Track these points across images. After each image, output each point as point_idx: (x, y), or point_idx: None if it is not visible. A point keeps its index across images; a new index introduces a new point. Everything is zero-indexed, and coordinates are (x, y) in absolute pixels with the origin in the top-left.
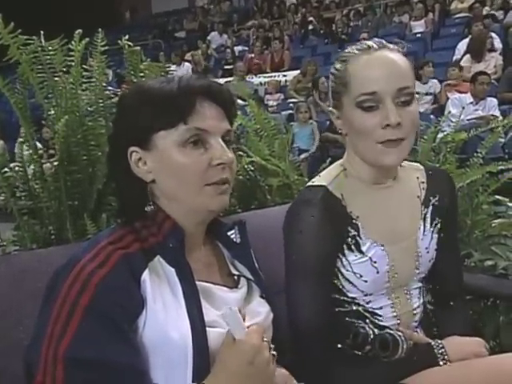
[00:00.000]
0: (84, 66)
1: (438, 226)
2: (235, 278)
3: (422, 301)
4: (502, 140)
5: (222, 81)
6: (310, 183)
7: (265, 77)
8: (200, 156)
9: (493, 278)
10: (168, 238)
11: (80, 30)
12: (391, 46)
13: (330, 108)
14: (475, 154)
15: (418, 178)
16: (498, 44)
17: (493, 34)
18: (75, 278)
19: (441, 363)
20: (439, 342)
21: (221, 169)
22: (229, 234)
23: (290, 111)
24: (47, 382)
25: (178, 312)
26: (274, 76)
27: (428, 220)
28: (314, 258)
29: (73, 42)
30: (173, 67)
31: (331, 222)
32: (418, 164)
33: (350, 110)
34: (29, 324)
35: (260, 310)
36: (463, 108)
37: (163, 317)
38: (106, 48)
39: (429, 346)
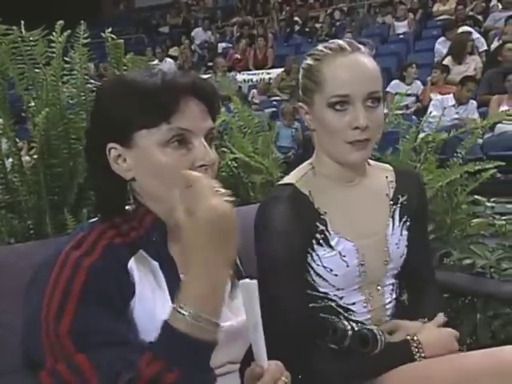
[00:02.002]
0: (65, 59)
1: (407, 223)
2: None
3: (394, 296)
4: (481, 141)
5: (205, 77)
6: (279, 182)
7: (248, 74)
8: (182, 156)
9: (471, 277)
10: (150, 231)
11: (62, 22)
12: (362, 48)
13: (300, 103)
14: (455, 154)
15: (387, 177)
16: (481, 46)
17: (477, 36)
18: (63, 265)
19: (417, 359)
20: (416, 338)
21: (203, 170)
22: None
23: (274, 109)
24: (60, 361)
25: (164, 303)
26: (258, 73)
27: (397, 217)
28: (284, 253)
29: (54, 34)
30: (155, 62)
31: (299, 217)
32: (387, 165)
33: (321, 109)
34: (7, 320)
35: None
36: (444, 109)
37: (151, 303)
38: (88, 41)
39: (406, 342)
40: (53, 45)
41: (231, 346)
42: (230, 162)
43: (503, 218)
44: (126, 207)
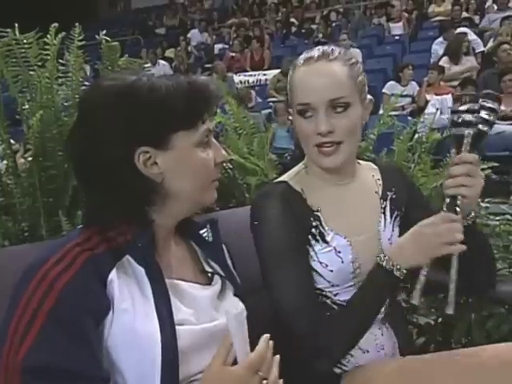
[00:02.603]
0: (60, 61)
1: (398, 218)
2: (209, 275)
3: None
4: None
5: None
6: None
7: (245, 75)
8: (209, 155)
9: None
10: (137, 236)
11: (56, 24)
12: (336, 53)
13: (289, 109)
14: (447, 155)
15: (373, 175)
16: (478, 47)
17: (473, 37)
18: (40, 282)
19: (397, 274)
20: (382, 256)
21: (220, 166)
22: (201, 232)
23: (270, 110)
24: None
25: (147, 311)
26: (255, 75)
27: (388, 213)
28: (281, 241)
29: (48, 36)
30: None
31: (292, 212)
32: (371, 163)
33: (295, 116)
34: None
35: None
36: (437, 109)
37: (131, 317)
38: (83, 43)
39: (378, 266)
40: (47, 47)
41: (217, 346)
42: (224, 164)
43: (497, 218)
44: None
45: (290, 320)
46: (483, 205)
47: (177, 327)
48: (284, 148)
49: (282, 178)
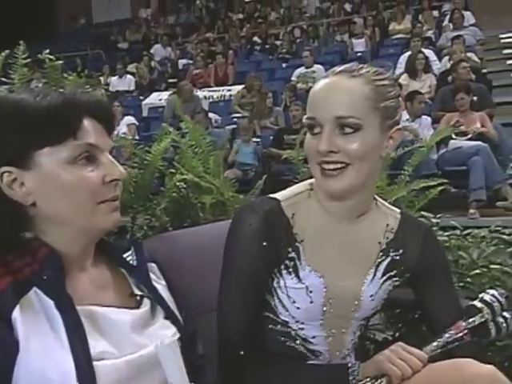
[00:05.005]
0: (3, 79)
1: (394, 280)
2: (137, 298)
3: (358, 334)
4: (436, 156)
5: (165, 94)
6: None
7: (209, 91)
8: (91, 173)
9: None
10: (44, 267)
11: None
12: (362, 71)
13: None
14: (402, 172)
15: (388, 224)
16: (435, 65)
17: (430, 55)
18: None
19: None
20: (355, 363)
21: (113, 185)
22: (125, 255)
23: (234, 126)
24: None
25: (59, 349)
26: (219, 90)
27: (381, 270)
28: (246, 264)
29: None
30: (114, 79)
31: (270, 236)
32: (397, 210)
33: (305, 130)
34: None
35: (164, 333)
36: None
37: (40, 358)
38: (28, 60)
39: (344, 366)
40: None
41: (149, 379)
42: (178, 183)
43: (445, 233)
44: (26, 235)
45: (223, 342)
46: (434, 221)
47: (95, 363)
48: (248, 164)
49: (277, 195)
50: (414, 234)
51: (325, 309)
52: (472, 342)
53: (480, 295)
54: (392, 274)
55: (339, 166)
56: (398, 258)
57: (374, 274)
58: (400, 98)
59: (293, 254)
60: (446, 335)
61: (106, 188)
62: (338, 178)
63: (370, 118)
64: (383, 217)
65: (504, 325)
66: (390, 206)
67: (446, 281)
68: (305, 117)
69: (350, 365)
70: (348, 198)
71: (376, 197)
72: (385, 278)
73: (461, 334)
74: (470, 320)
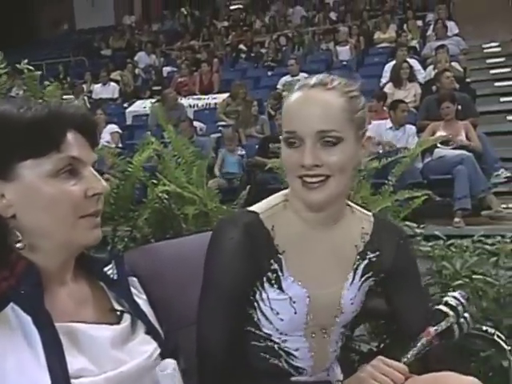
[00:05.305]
0: None
1: (371, 280)
2: (118, 313)
3: (340, 344)
4: (421, 165)
5: (150, 102)
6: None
7: (193, 98)
8: (73, 186)
9: None
10: (22, 281)
11: None
12: (334, 83)
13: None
14: (386, 182)
15: (363, 228)
16: (420, 74)
17: (415, 64)
18: None
19: None
20: (338, 381)
21: (95, 199)
22: (105, 269)
23: (219, 134)
24: None
25: (36, 366)
26: (204, 98)
27: (359, 272)
28: (227, 279)
29: None
30: (97, 86)
31: (252, 249)
32: (370, 214)
33: (282, 144)
34: None
35: (144, 349)
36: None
37: (16, 376)
38: (6, 70)
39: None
40: None
41: None
42: (160, 194)
43: (429, 243)
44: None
45: (204, 359)
46: (418, 231)
47: (73, 381)
48: (233, 173)
49: (254, 208)
50: (389, 237)
51: (308, 318)
52: (440, 345)
53: (444, 299)
54: (369, 275)
55: (321, 178)
56: (374, 259)
57: (353, 278)
58: (384, 107)
59: (275, 266)
60: (419, 343)
61: (88, 202)
62: (319, 189)
63: (348, 129)
64: (358, 221)
65: (465, 325)
66: (362, 209)
67: (417, 284)
68: (283, 131)
69: (333, 382)
70: (326, 209)
71: (348, 202)
72: (363, 279)
73: (430, 339)
74: (438, 326)
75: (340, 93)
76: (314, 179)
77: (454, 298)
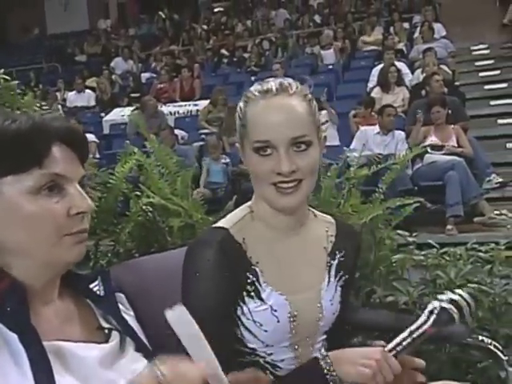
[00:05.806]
0: None
1: (343, 280)
2: (106, 331)
3: (323, 352)
4: (411, 172)
5: (128, 110)
6: (213, 225)
7: (174, 106)
8: (55, 204)
9: (392, 315)
10: (6, 299)
11: None
12: (294, 88)
13: (237, 145)
14: (376, 189)
15: (327, 230)
16: (407, 78)
17: (403, 67)
18: None
19: (328, 375)
20: (325, 353)
21: (80, 218)
22: (91, 286)
23: (202, 142)
24: None
25: None
26: (185, 105)
27: (333, 273)
28: (209, 302)
29: None
30: (72, 94)
31: (229, 266)
32: (330, 217)
33: (249, 153)
34: None
35: (135, 367)
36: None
37: None
38: None
39: (315, 358)
40: None
41: None
42: (144, 207)
43: (422, 252)
44: None
45: None
46: (410, 239)
47: None
48: (217, 183)
49: (222, 224)
50: (350, 238)
51: (292, 326)
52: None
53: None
54: (341, 273)
55: (295, 183)
56: (342, 259)
57: (329, 278)
58: (373, 113)
59: (252, 278)
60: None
61: (71, 221)
62: (293, 194)
63: (313, 132)
64: (321, 224)
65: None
66: (322, 213)
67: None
68: (253, 140)
69: (320, 356)
70: (296, 212)
71: (308, 207)
72: (337, 278)
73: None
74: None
75: (301, 97)
76: (291, 184)
77: (462, 297)
